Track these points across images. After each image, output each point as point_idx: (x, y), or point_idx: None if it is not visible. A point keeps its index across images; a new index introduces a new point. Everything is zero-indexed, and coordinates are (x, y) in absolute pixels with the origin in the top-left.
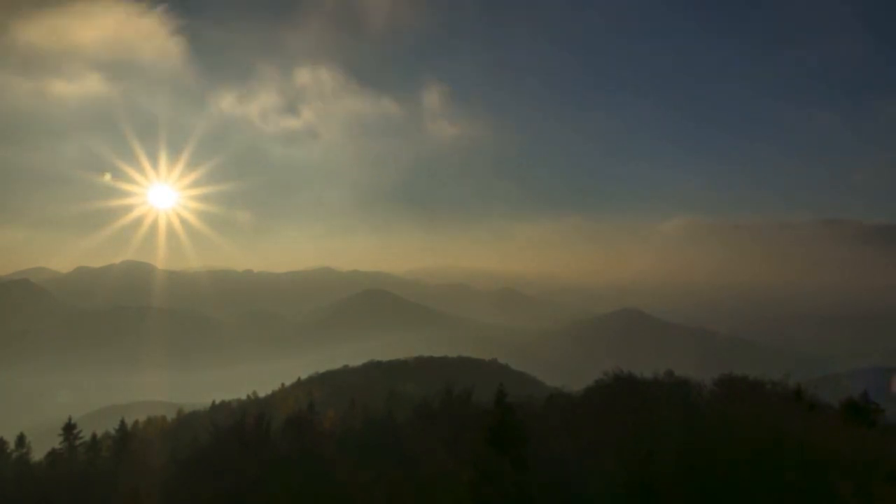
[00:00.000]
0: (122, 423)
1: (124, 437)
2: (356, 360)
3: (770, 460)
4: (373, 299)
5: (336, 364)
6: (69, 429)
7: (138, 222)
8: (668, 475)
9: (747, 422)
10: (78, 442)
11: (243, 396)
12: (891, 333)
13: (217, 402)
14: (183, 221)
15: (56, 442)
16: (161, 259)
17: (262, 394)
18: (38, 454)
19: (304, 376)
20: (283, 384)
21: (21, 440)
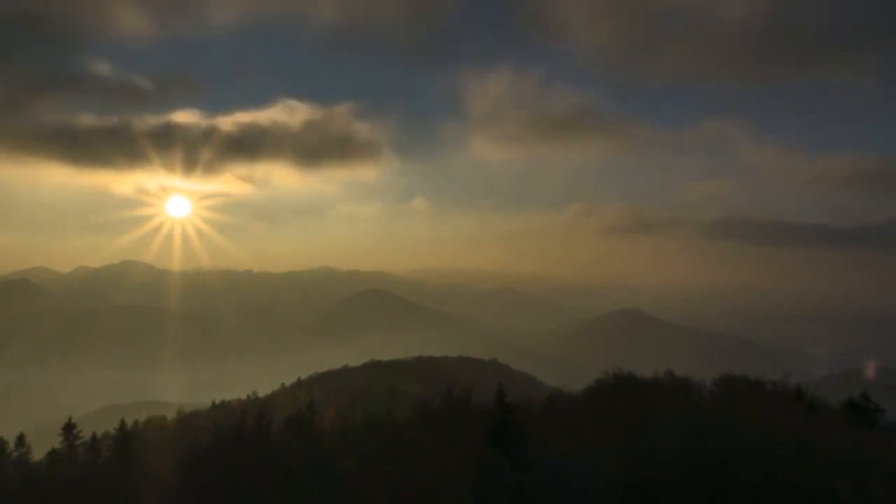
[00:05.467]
0: (122, 423)
1: (124, 437)
2: (356, 360)
3: (770, 460)
4: (373, 299)
5: (336, 364)
6: (69, 429)
7: (138, 223)
8: (668, 475)
9: (747, 422)
10: (78, 442)
11: (243, 396)
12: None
13: (217, 402)
14: (183, 222)
15: (56, 442)
16: (161, 259)
17: (262, 394)
18: (38, 454)
19: (304, 376)
20: (283, 384)
21: (21, 440)
